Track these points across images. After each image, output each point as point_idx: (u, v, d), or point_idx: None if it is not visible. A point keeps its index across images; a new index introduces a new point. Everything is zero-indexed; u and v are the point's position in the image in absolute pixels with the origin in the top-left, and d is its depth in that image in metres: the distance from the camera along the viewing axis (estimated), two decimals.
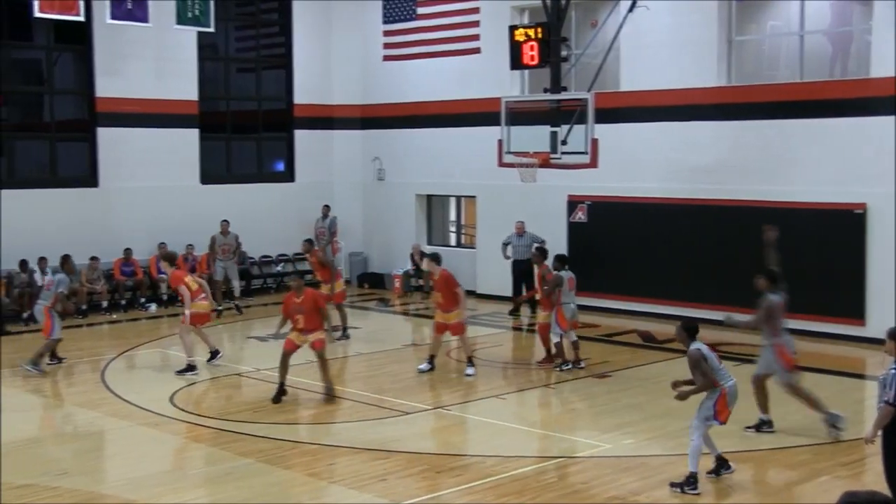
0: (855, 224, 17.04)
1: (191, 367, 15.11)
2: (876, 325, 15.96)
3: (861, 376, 15.07)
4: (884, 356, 8.81)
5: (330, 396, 13.56)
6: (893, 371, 8.32)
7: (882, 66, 16.82)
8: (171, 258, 16.37)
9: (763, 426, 11.94)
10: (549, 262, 15.82)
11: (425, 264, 15.61)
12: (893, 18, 16.47)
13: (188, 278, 15.58)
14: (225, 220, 21.08)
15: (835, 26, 18.53)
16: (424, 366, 15.21)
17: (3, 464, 10.97)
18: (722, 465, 10.26)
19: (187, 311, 15.22)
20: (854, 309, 17.10)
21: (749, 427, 11.85)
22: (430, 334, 15.58)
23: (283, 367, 13.60)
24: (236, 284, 21.10)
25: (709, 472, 10.15)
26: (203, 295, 15.51)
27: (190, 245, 21.36)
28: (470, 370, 14.95)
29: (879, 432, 8.49)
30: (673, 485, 9.93)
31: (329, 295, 17.48)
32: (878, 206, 16.87)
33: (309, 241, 18.57)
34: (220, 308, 19.75)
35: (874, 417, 8.55)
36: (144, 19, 19.87)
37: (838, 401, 13.66)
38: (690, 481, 9.84)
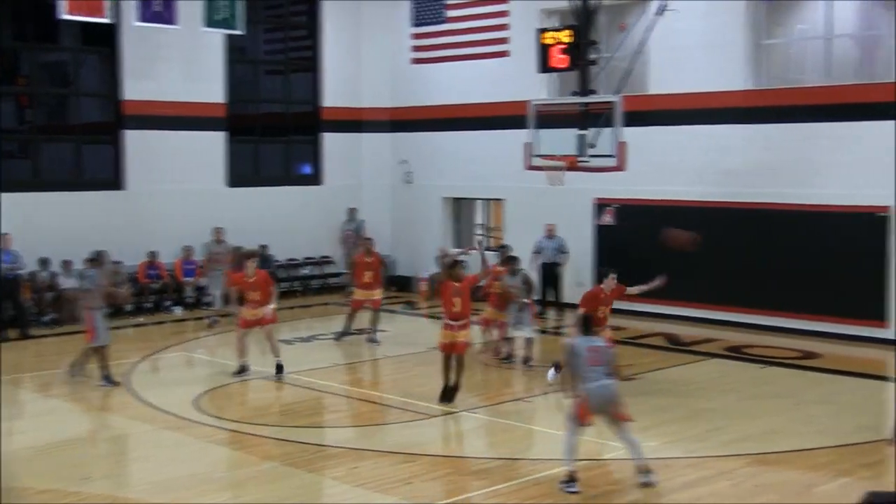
0: (879, 227, 17.00)
1: (243, 368, 15.10)
2: None
3: (883, 378, 14.92)
4: None
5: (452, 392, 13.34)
6: None
7: None
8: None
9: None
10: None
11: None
12: None
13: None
14: (218, 228, 20.49)
15: (861, 30, 18.38)
16: (552, 374, 14.28)
17: (24, 469, 10.94)
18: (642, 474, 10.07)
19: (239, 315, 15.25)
20: (877, 311, 17.05)
21: None
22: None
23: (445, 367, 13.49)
24: (217, 294, 19.68)
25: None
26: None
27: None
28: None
29: None
30: (560, 482, 9.93)
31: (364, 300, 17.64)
32: None
33: (368, 240, 18.33)
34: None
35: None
36: (172, 21, 19.93)
37: (861, 403, 13.63)
38: (566, 479, 9.87)
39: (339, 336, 17.80)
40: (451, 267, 13.48)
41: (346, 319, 17.91)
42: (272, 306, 15.33)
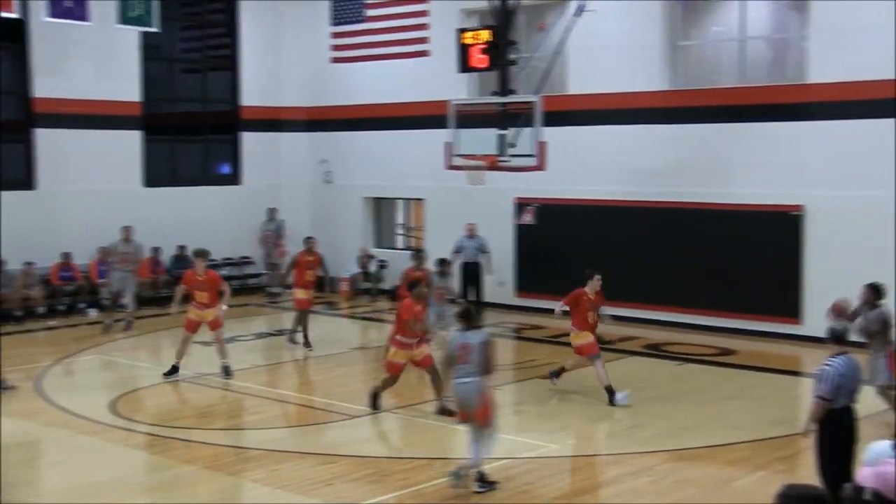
0: (792, 225, 17.38)
1: (175, 369, 14.84)
2: (812, 323, 16.44)
3: (797, 373, 15.36)
4: None
5: (445, 413, 12.51)
6: (826, 366, 8.60)
7: (818, 71, 17.18)
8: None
9: None
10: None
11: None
12: (829, 26, 16.79)
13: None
14: (127, 227, 19.58)
15: (773, 32, 18.76)
16: (623, 397, 13.41)
17: None
18: (480, 477, 9.95)
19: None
20: (791, 308, 17.43)
21: None
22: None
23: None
24: (129, 297, 19.24)
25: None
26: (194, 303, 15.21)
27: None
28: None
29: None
30: (474, 482, 9.91)
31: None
32: (815, 207, 17.23)
33: (310, 238, 18.04)
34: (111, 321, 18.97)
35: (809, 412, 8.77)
36: (84, 18, 19.46)
37: (776, 398, 13.96)
38: (476, 478, 9.86)
39: (305, 342, 17.24)
40: (415, 286, 13.21)
41: (302, 325, 17.46)
42: (224, 308, 15.09)
